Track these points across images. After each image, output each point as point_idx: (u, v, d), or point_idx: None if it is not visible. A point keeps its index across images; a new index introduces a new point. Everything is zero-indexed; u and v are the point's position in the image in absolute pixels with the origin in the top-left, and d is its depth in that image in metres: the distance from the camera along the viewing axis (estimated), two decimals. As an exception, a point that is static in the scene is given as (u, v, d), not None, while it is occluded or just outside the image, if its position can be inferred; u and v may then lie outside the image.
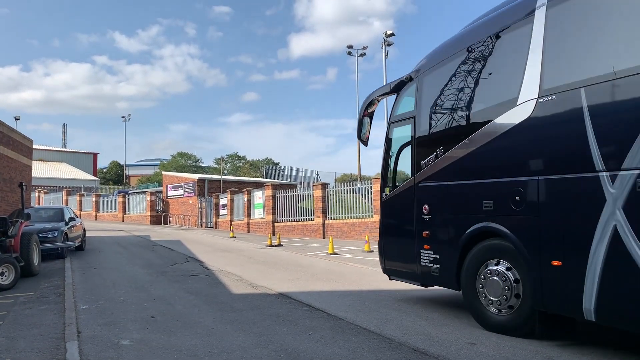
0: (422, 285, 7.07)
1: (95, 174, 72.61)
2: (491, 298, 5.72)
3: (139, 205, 38.82)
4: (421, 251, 6.78)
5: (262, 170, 55.77)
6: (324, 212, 22.27)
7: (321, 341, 5.46)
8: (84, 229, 17.61)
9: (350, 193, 21.46)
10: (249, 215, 28.38)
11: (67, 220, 15.25)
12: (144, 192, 40.41)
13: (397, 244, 7.45)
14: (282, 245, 18.26)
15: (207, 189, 36.16)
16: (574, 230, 4.77)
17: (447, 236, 6.44)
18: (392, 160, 7.60)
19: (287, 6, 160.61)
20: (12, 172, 17.66)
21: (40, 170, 46.75)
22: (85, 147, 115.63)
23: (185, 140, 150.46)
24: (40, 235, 12.33)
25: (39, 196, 44.51)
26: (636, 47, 4.39)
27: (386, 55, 33.30)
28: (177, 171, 55.97)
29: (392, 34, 33.14)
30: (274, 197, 25.67)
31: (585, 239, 4.61)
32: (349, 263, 12.55)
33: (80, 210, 41.94)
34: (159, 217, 37.44)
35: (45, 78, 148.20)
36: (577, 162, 4.73)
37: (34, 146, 22.50)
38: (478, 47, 6.23)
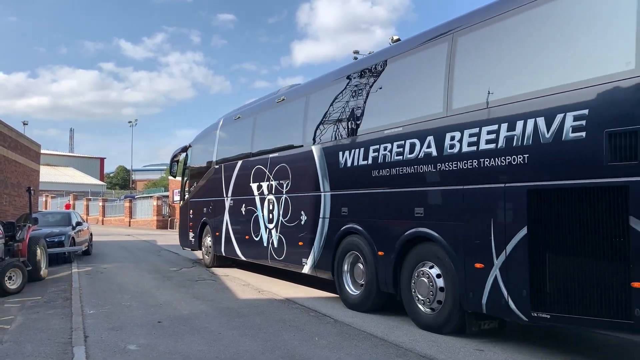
0: (192, 250, 14.39)
1: (102, 179, 72.97)
2: (204, 251, 12.91)
3: (146, 210, 38.83)
4: (189, 232, 13.71)
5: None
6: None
7: (328, 347, 5.43)
8: (91, 234, 17.62)
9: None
10: (254, 220, 28.30)
11: (74, 224, 15.28)
12: (151, 196, 40.39)
13: (184, 229, 14.33)
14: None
15: (213, 194, 36.12)
16: (219, 221, 11.79)
17: (196, 226, 13.18)
18: (183, 186, 14.61)
19: (290, 14, 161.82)
20: (20, 176, 17.81)
21: (47, 174, 46.89)
22: (92, 152, 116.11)
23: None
24: (47, 239, 12.32)
25: (46, 201, 44.73)
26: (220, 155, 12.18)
27: (392, 60, 33.23)
28: (183, 176, 55.92)
29: (399, 40, 33.11)
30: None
31: (222, 224, 11.61)
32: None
33: (87, 214, 42.06)
34: (166, 221, 37.40)
35: (52, 84, 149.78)
36: (220, 193, 11.74)
37: (41, 151, 22.67)
38: (203, 138, 13.72)
